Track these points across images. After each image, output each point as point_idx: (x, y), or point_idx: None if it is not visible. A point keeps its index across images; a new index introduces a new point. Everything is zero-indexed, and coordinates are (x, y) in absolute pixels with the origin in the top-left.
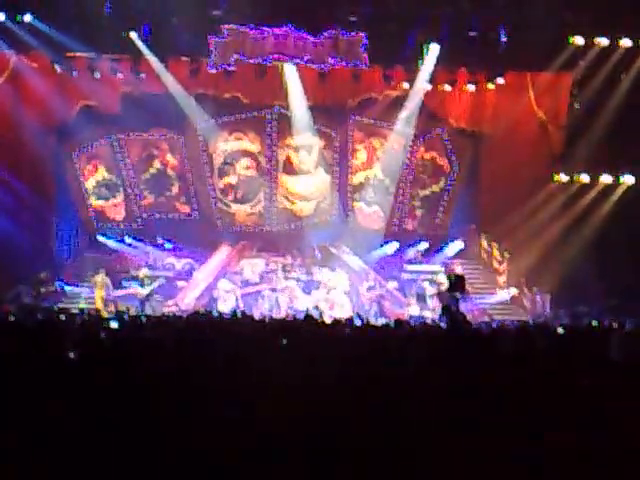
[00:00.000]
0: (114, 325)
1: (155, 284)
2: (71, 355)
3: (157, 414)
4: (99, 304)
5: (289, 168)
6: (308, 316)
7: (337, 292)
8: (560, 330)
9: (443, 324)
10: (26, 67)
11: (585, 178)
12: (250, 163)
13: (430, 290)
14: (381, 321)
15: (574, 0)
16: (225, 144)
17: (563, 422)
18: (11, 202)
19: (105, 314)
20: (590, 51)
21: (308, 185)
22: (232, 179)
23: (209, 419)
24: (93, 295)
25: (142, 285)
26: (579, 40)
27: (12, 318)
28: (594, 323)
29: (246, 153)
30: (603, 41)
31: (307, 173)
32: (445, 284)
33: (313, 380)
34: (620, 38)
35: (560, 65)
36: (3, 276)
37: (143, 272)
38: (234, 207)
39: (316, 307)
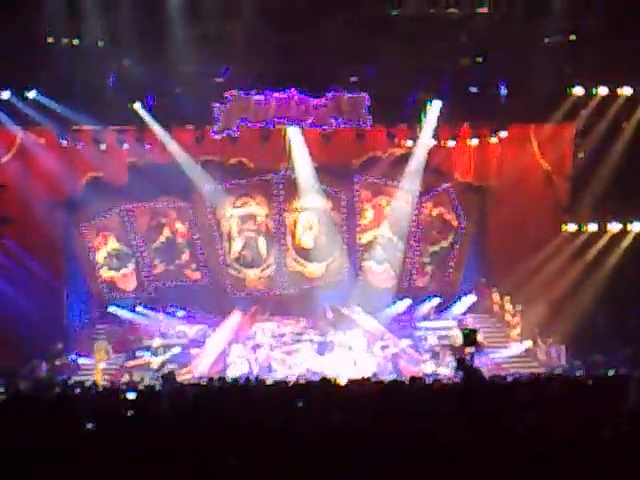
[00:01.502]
0: (131, 396)
1: (169, 354)
2: (89, 426)
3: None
4: (98, 378)
5: (296, 230)
6: (323, 378)
7: (351, 352)
8: (576, 381)
9: (458, 379)
10: (33, 142)
11: (593, 227)
12: (258, 227)
13: (444, 346)
14: (397, 379)
15: (573, 51)
16: (233, 209)
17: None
18: (22, 275)
19: (100, 381)
20: (591, 101)
21: (317, 248)
22: (241, 243)
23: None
24: (107, 366)
25: (156, 355)
26: (579, 90)
27: (28, 393)
28: (610, 372)
29: (254, 217)
30: (603, 90)
31: (307, 236)
32: (459, 339)
33: (331, 441)
34: (620, 87)
35: (562, 116)
36: (16, 350)
37: (156, 342)
38: (244, 271)
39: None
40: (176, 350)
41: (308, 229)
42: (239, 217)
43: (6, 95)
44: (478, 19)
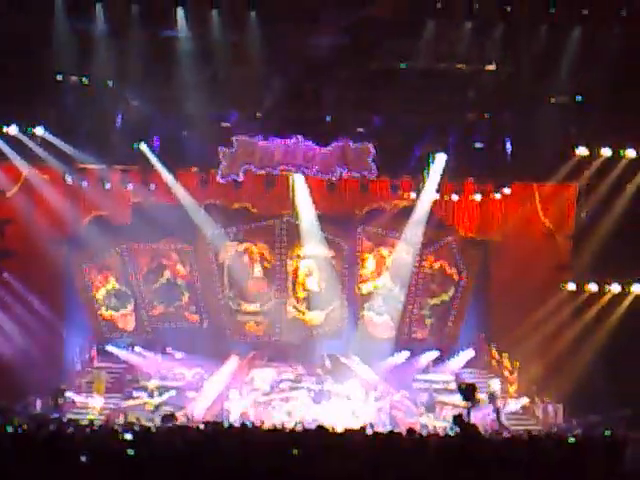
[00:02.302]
0: (128, 437)
1: (165, 395)
2: (83, 459)
3: None
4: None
5: (298, 277)
6: (319, 426)
7: (348, 402)
8: (573, 440)
9: (454, 433)
10: (38, 178)
11: (593, 287)
12: (260, 273)
13: (441, 400)
14: (393, 430)
15: (578, 111)
16: (235, 254)
17: None
18: (21, 310)
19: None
20: (594, 161)
21: (317, 296)
22: (241, 289)
23: None
24: (103, 406)
25: (152, 396)
26: (583, 151)
27: (24, 429)
28: (607, 433)
29: (256, 263)
30: (607, 152)
31: (314, 283)
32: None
33: None
34: (624, 149)
35: (565, 175)
36: (11, 385)
37: (153, 383)
38: (243, 316)
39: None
40: (172, 392)
41: (308, 276)
42: (240, 261)
43: (13, 130)
44: (485, 76)
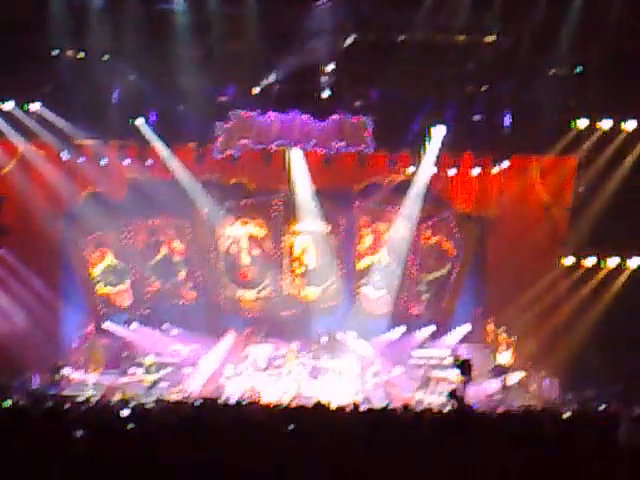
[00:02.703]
0: (125, 413)
1: (162, 372)
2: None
3: None
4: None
5: (295, 253)
6: (316, 402)
7: (343, 378)
8: (568, 414)
9: (449, 409)
10: (34, 154)
11: (591, 261)
12: (256, 248)
13: (436, 376)
14: (388, 406)
15: (578, 83)
16: (231, 229)
17: None
18: (18, 288)
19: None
20: (594, 133)
21: (314, 272)
22: (239, 264)
23: None
24: (100, 382)
25: (149, 372)
26: (583, 123)
27: (21, 405)
28: (601, 407)
29: (252, 238)
30: (607, 124)
31: (311, 259)
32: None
33: (321, 467)
34: (624, 120)
35: (564, 148)
36: (8, 362)
37: (149, 359)
38: (240, 292)
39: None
40: (169, 369)
41: (305, 252)
42: (237, 237)
43: (9, 106)
44: (485, 48)
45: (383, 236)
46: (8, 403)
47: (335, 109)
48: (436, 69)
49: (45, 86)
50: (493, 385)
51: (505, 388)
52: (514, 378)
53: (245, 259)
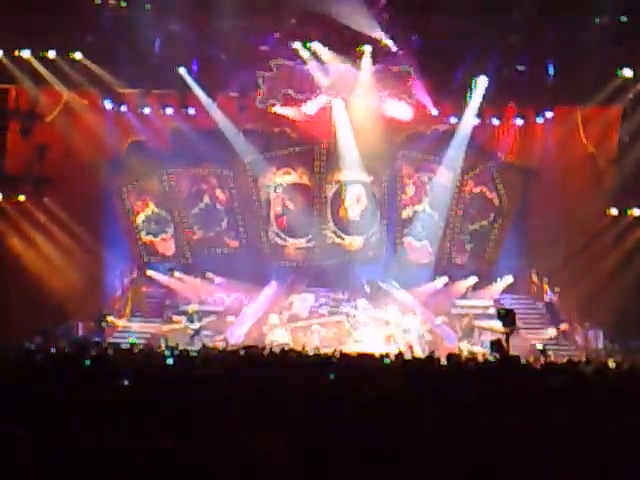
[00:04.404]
0: (169, 362)
1: (205, 320)
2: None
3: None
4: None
5: (338, 203)
6: (358, 352)
7: (387, 327)
8: (612, 365)
9: (492, 358)
10: (77, 103)
11: (637, 212)
12: (299, 198)
13: (480, 325)
14: (431, 355)
15: (623, 32)
16: (274, 179)
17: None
18: (62, 237)
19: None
20: (639, 83)
21: (356, 220)
22: (281, 213)
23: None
24: (143, 329)
25: (192, 321)
26: (628, 72)
27: (65, 353)
28: None
29: (295, 188)
30: None
31: (354, 208)
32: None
33: (362, 415)
34: None
35: (609, 98)
36: (53, 310)
37: (192, 307)
38: (282, 241)
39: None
40: (212, 317)
41: (356, 202)
42: (280, 187)
43: (52, 55)
44: None
45: (426, 186)
46: (53, 350)
47: (378, 59)
48: (479, 19)
49: (87, 35)
50: (538, 336)
51: (550, 339)
52: (559, 329)
53: (287, 208)
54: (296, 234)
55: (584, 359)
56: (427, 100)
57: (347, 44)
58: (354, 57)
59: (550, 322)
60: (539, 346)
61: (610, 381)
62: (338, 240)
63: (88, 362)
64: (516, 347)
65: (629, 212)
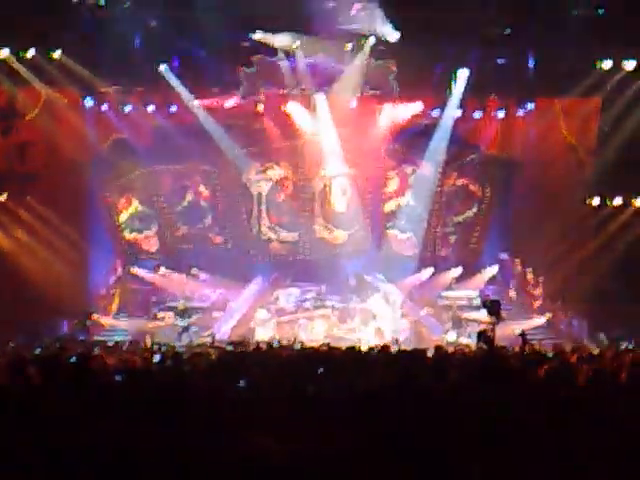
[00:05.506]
0: (156, 359)
1: (194, 317)
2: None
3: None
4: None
5: (324, 197)
6: (349, 346)
7: (372, 320)
8: (596, 353)
9: (479, 349)
10: (58, 101)
11: (618, 201)
12: (286, 192)
13: (466, 316)
14: (417, 347)
15: (601, 24)
16: (257, 174)
17: (593, 445)
18: (47, 235)
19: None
20: (618, 74)
21: (342, 214)
22: (265, 209)
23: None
24: (129, 327)
25: (182, 317)
26: (607, 64)
27: (51, 352)
28: (630, 346)
29: (279, 182)
30: (630, 64)
31: (340, 202)
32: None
33: (351, 408)
34: None
35: (588, 90)
36: (38, 308)
37: (182, 304)
38: (275, 235)
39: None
40: (198, 313)
41: (342, 194)
42: (263, 182)
43: (31, 53)
44: None
45: (409, 179)
46: (38, 350)
47: (359, 53)
48: (460, 12)
49: (66, 33)
50: (523, 325)
51: (534, 328)
52: (542, 319)
53: (271, 203)
54: (288, 228)
55: (569, 348)
56: (409, 93)
57: (329, 39)
58: (336, 51)
59: (535, 311)
60: (517, 331)
61: (593, 369)
62: (325, 234)
63: (73, 360)
64: (503, 337)
65: (610, 202)
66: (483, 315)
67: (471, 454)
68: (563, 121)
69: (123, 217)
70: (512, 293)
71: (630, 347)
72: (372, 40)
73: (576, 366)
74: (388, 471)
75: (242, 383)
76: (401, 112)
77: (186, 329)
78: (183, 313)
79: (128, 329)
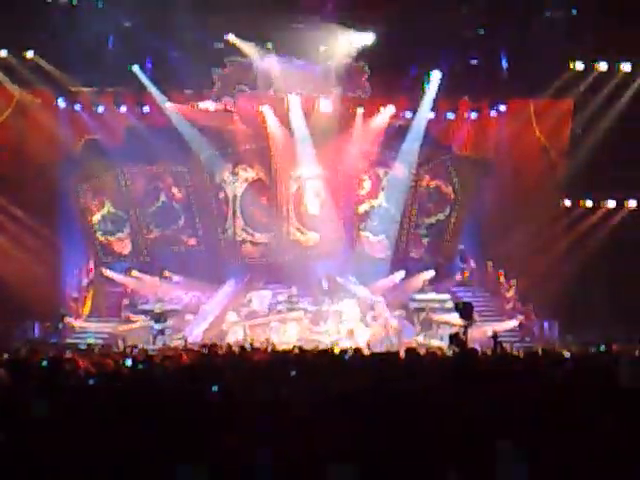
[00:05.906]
0: (128, 363)
1: (170, 321)
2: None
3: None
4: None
5: (298, 199)
6: (317, 347)
7: (345, 322)
8: (567, 355)
9: (451, 352)
10: (30, 102)
11: (589, 203)
12: (259, 194)
13: (438, 319)
14: (389, 349)
15: (574, 26)
16: (230, 176)
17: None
18: (19, 237)
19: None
20: (590, 76)
21: (315, 216)
22: (240, 210)
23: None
24: (101, 330)
25: (158, 321)
26: (579, 65)
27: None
28: (602, 348)
29: (254, 184)
30: (603, 66)
31: (313, 204)
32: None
33: (321, 410)
34: (620, 63)
35: (560, 90)
36: (8, 311)
37: (159, 307)
38: (249, 236)
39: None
40: (171, 315)
41: (315, 196)
42: (236, 184)
43: (3, 54)
44: None
45: (382, 181)
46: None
47: (332, 55)
48: (432, 14)
49: (39, 33)
50: (495, 327)
51: (506, 330)
52: (515, 321)
53: (244, 205)
54: (261, 229)
55: (540, 350)
56: (381, 95)
57: (301, 42)
58: (308, 54)
59: (507, 314)
60: (489, 332)
61: (565, 372)
62: (299, 235)
63: (45, 363)
64: (475, 340)
65: (582, 203)
66: (455, 318)
67: (445, 455)
68: (535, 122)
69: (96, 219)
70: (484, 295)
71: (602, 349)
72: (346, 43)
73: (546, 368)
74: (363, 472)
75: (214, 388)
76: (374, 114)
77: (161, 332)
78: (159, 317)
79: (100, 332)
